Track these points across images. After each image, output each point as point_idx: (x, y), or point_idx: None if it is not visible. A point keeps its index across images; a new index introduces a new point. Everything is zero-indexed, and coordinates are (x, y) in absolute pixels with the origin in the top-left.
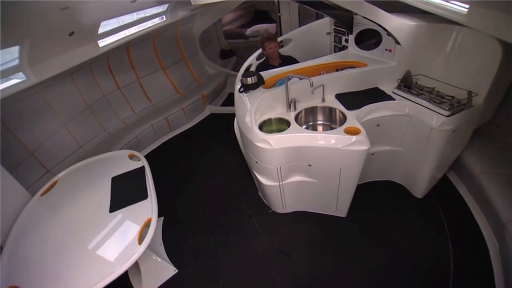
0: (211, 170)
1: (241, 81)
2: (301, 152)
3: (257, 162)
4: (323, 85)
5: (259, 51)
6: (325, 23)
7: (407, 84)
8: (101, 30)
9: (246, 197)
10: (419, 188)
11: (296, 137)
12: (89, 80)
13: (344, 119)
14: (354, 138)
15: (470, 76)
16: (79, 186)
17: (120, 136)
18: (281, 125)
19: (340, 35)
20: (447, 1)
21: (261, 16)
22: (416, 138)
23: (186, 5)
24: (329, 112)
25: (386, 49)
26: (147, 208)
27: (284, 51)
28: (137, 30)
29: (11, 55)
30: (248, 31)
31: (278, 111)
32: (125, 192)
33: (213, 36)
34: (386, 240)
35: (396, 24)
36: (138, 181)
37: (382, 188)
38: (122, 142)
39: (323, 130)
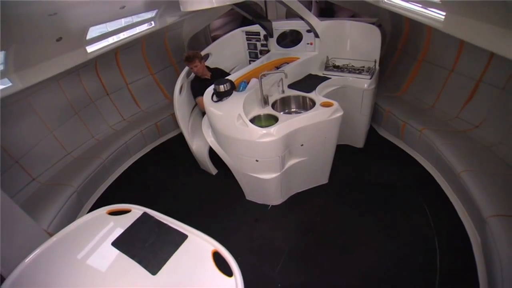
0: (199, 180)
1: (214, 89)
2: (296, 134)
3: (257, 161)
4: (282, 79)
5: (187, 68)
6: (237, 34)
7: (333, 65)
8: (89, 35)
9: (239, 205)
10: (360, 140)
11: (291, 122)
12: (76, 86)
13: (310, 102)
14: (332, 109)
15: (367, 52)
16: (65, 270)
17: (109, 142)
18: (269, 120)
19: (255, 42)
20: (425, 8)
21: (250, 21)
22: (353, 101)
23: (175, 11)
24: (299, 99)
25: (307, 43)
26: (198, 246)
27: (208, 64)
28: (126, 36)
29: None
30: None
31: (256, 109)
32: (150, 247)
33: (202, 42)
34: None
35: (317, 23)
36: (153, 229)
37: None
38: (111, 148)
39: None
